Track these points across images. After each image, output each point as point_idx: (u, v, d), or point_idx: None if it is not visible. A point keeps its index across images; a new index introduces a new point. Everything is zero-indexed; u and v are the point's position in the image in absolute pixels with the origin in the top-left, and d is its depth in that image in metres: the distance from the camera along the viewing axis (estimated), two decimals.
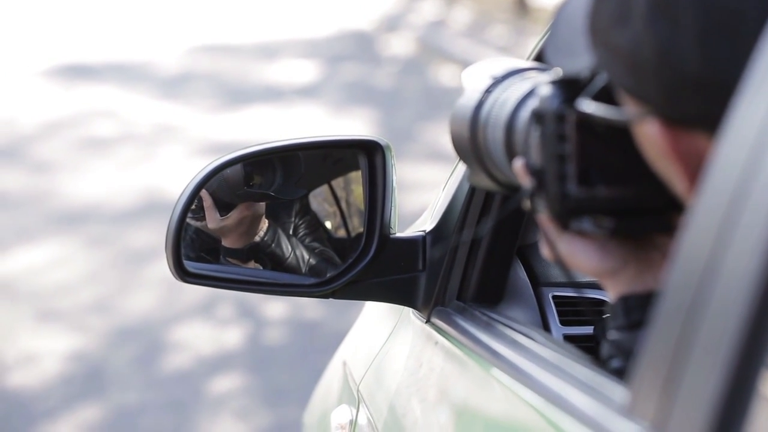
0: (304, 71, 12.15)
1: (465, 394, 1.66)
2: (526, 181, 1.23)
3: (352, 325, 2.49)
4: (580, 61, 1.18)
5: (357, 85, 11.45)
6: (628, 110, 1.11)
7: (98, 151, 9.01)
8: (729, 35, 1.01)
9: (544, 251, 1.27)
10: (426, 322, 1.89)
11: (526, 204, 1.23)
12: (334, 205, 1.95)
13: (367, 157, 1.89)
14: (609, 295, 1.26)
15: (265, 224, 1.87)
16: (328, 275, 1.88)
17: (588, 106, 1.16)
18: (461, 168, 1.87)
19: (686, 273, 0.99)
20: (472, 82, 1.39)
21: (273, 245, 1.87)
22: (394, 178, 1.88)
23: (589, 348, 1.58)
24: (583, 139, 1.18)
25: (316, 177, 1.95)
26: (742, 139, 0.95)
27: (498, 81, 1.35)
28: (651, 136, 1.09)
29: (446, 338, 1.78)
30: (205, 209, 1.83)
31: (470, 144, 1.36)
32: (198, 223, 1.85)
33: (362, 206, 1.89)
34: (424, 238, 1.90)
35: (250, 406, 4.85)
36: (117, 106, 10.62)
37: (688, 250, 0.99)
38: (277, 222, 1.88)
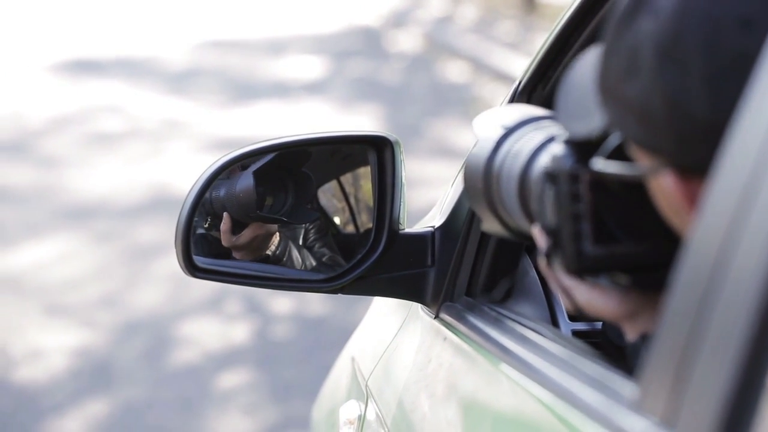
0: (312, 67, 12.15)
1: (474, 389, 1.66)
2: (542, 241, 1.24)
3: (360, 321, 2.49)
4: (592, 122, 1.18)
5: (364, 81, 11.45)
6: (641, 165, 1.11)
7: (105, 147, 9.02)
8: (737, 78, 1.00)
9: (563, 302, 1.28)
10: (435, 318, 1.89)
11: (543, 262, 1.25)
12: (343, 200, 1.95)
13: (376, 153, 1.89)
14: (629, 335, 1.26)
15: (276, 238, 1.87)
16: (337, 271, 1.88)
17: (601, 164, 1.16)
18: None
19: (696, 270, 0.99)
20: (484, 131, 1.39)
21: (284, 259, 1.87)
22: (404, 173, 1.88)
23: (597, 344, 1.58)
24: (598, 198, 1.19)
25: (325, 173, 1.95)
26: (752, 138, 0.96)
27: (510, 131, 1.36)
28: (665, 188, 1.09)
29: (455, 334, 1.78)
30: (222, 233, 1.83)
31: (484, 194, 1.37)
32: (210, 232, 1.85)
33: (371, 202, 1.89)
34: (432, 233, 1.90)
35: (257, 402, 4.85)
36: (124, 101, 10.63)
37: (698, 248, 0.99)
38: (288, 230, 1.88)
